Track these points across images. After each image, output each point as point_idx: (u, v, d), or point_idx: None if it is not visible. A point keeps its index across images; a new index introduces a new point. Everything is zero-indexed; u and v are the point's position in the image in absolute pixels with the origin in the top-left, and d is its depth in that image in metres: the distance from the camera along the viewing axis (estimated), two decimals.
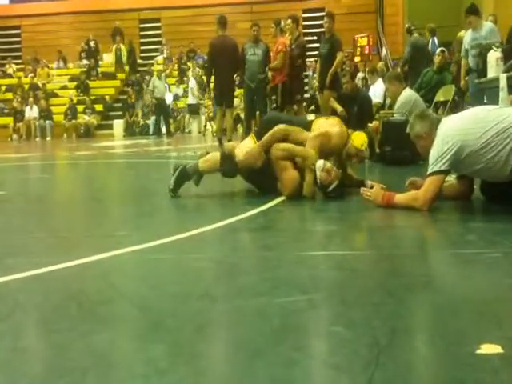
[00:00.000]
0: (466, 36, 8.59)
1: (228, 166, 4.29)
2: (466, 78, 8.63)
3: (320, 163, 4.04)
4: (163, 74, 17.62)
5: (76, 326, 1.84)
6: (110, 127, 19.26)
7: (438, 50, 9.32)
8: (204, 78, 15.77)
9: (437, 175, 3.48)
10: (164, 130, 17.89)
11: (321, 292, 2.13)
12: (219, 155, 4.38)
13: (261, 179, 4.37)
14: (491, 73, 7.74)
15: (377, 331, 1.69)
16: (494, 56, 7.72)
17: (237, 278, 2.40)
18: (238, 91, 10.47)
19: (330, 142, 4.20)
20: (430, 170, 3.52)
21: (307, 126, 4.36)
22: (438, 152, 3.46)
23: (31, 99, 19.57)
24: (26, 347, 1.74)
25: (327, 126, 4.31)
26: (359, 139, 4.25)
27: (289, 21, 9.50)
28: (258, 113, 9.39)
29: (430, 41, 11.57)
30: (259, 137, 4.35)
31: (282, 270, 2.45)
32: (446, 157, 3.43)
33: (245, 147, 4.38)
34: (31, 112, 19.42)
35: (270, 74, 9.17)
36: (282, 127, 4.24)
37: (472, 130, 3.43)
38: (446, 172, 3.51)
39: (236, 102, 11.24)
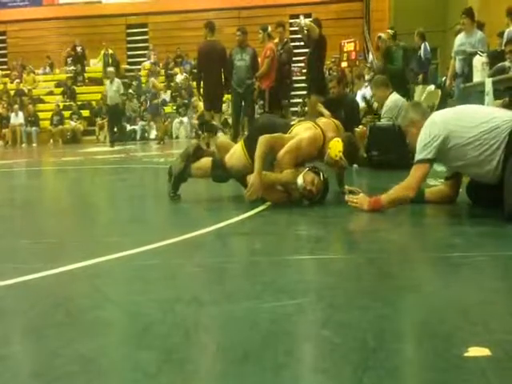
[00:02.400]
0: (457, 38, 8.64)
1: (219, 173, 4.39)
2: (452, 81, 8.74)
3: (300, 183, 3.99)
4: (116, 79, 15.59)
5: (64, 333, 1.83)
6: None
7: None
8: (191, 83, 15.64)
9: (423, 163, 3.52)
10: (151, 136, 17.25)
11: (309, 296, 2.13)
12: (211, 162, 4.40)
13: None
14: (476, 77, 7.81)
15: (365, 335, 1.70)
16: (479, 61, 7.80)
17: (225, 282, 2.41)
18: (226, 96, 10.45)
19: (301, 148, 4.16)
20: (416, 158, 3.57)
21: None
22: (425, 139, 3.50)
23: (16, 106, 19.44)
24: (13, 354, 1.73)
25: (300, 131, 4.26)
26: (334, 149, 4.16)
27: (279, 28, 9.56)
28: (245, 118, 9.38)
29: (422, 46, 11.19)
30: (250, 141, 4.32)
31: (269, 274, 2.45)
32: (432, 145, 3.46)
33: (234, 157, 4.37)
34: (16, 118, 19.29)
35: (257, 84, 9.17)
36: (267, 140, 4.10)
37: (460, 123, 3.47)
38: (431, 161, 3.54)
39: (223, 107, 11.20)
